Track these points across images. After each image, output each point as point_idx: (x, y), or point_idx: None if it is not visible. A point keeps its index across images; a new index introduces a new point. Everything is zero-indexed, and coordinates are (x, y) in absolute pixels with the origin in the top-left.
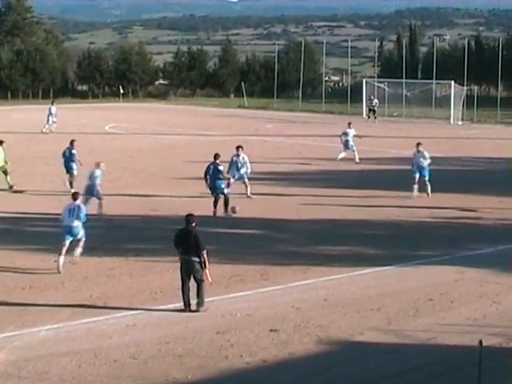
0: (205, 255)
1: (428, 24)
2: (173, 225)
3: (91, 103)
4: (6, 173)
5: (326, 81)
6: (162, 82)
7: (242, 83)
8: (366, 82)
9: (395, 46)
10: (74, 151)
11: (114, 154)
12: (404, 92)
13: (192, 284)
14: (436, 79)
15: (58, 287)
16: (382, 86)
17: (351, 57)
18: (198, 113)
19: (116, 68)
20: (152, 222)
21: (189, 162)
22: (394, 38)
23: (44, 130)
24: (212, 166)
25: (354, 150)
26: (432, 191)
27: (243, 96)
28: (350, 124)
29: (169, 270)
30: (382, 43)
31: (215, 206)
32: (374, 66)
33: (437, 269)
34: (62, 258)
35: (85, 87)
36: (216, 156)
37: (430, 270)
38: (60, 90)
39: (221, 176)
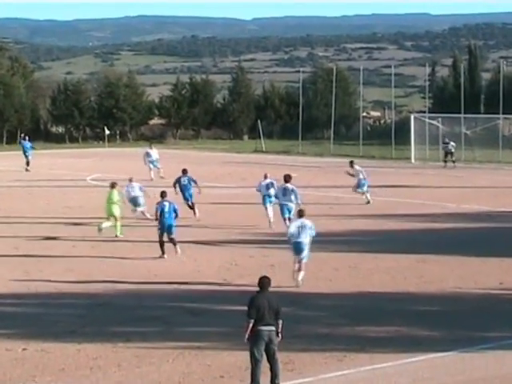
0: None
1: (492, 44)
2: (169, 301)
3: (68, 148)
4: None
5: (363, 117)
6: (157, 121)
7: (259, 121)
8: (415, 118)
9: (450, 72)
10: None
11: (98, 211)
12: (463, 130)
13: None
14: (503, 113)
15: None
16: (434, 122)
17: (395, 86)
18: (203, 159)
19: (100, 104)
20: (144, 296)
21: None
22: (449, 62)
23: (160, 175)
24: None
25: (364, 192)
26: (501, 255)
27: (260, 137)
28: (352, 162)
29: (168, 359)
30: (433, 69)
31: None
32: (424, 97)
33: (509, 355)
34: None
35: (60, 129)
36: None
37: (501, 356)
38: (30, 132)
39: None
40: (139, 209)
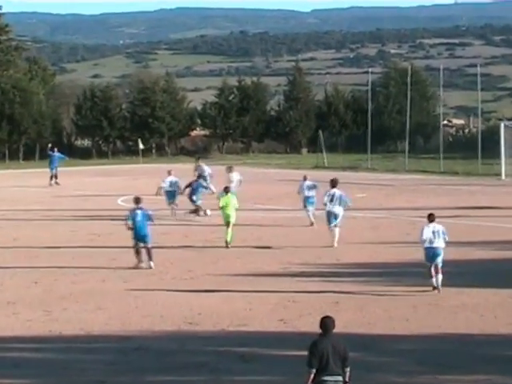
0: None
1: None
2: (216, 345)
3: (96, 165)
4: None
5: (444, 126)
6: (200, 132)
7: (320, 132)
8: (506, 127)
9: None
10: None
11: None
12: None
13: None
14: None
15: None
16: None
17: (482, 89)
18: (255, 176)
19: (132, 113)
20: (186, 339)
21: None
22: None
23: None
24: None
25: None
26: None
27: (321, 151)
28: (305, 177)
29: None
30: None
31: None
32: None
33: None
34: None
35: (87, 142)
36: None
37: None
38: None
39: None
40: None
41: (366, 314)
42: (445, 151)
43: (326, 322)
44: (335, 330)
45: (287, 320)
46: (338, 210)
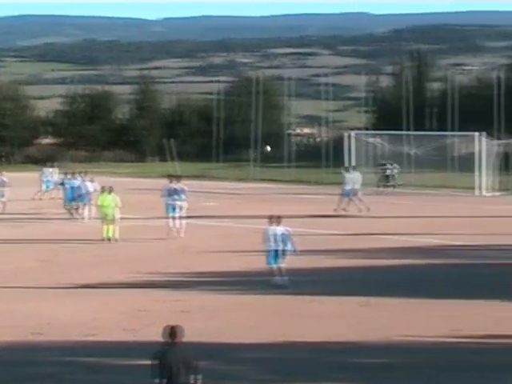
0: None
1: (443, 49)
2: (64, 355)
3: None
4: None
5: (294, 135)
6: (47, 140)
7: (167, 140)
8: (350, 137)
9: (395, 81)
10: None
11: None
12: (412, 150)
13: None
14: (455, 130)
15: None
16: (375, 141)
17: (330, 99)
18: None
19: None
20: (34, 350)
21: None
22: (392, 69)
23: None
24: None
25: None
26: (453, 297)
27: (171, 159)
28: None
29: None
30: (376, 78)
31: None
32: (365, 111)
33: None
34: None
35: None
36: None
37: None
38: None
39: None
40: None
41: (214, 322)
42: (294, 160)
43: (174, 331)
44: (184, 339)
45: (136, 329)
46: (180, 202)
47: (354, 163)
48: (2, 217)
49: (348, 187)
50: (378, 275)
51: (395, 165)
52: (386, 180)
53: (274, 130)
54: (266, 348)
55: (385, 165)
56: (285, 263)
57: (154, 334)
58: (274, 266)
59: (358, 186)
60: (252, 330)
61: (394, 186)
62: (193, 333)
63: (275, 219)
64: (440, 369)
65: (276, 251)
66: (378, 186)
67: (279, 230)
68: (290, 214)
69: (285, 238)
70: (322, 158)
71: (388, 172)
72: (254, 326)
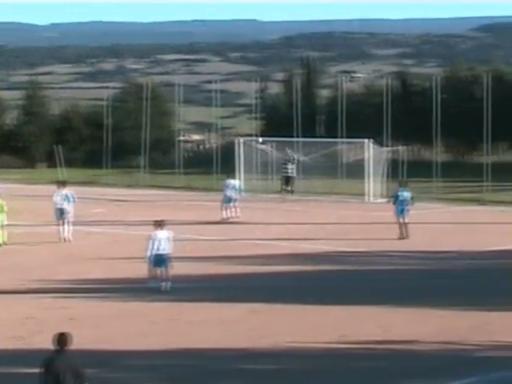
0: None
1: (332, 56)
2: None
3: None
4: None
5: (183, 141)
6: None
7: (58, 147)
8: (239, 143)
9: (285, 88)
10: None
11: None
12: (301, 157)
13: None
14: (344, 137)
15: None
16: (265, 147)
17: (220, 105)
18: None
19: None
20: None
21: None
22: (282, 76)
23: None
24: None
25: None
26: (341, 303)
27: (60, 166)
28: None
29: None
30: (265, 85)
31: None
32: (255, 118)
33: None
34: None
35: None
36: None
37: None
38: None
39: None
40: None
41: (103, 330)
42: (184, 166)
43: (61, 338)
44: (71, 347)
45: (24, 337)
46: (65, 206)
47: (242, 170)
48: None
49: (228, 194)
50: (267, 281)
51: (295, 155)
52: (286, 183)
53: (164, 137)
54: (156, 355)
55: (286, 164)
56: (171, 268)
57: (42, 341)
58: (158, 270)
59: (235, 194)
60: (143, 337)
61: (292, 192)
62: (81, 340)
63: (159, 223)
64: (329, 374)
65: (160, 255)
66: (281, 191)
67: (163, 234)
68: (177, 220)
69: (167, 242)
70: (212, 165)
71: (289, 172)
72: (145, 332)
